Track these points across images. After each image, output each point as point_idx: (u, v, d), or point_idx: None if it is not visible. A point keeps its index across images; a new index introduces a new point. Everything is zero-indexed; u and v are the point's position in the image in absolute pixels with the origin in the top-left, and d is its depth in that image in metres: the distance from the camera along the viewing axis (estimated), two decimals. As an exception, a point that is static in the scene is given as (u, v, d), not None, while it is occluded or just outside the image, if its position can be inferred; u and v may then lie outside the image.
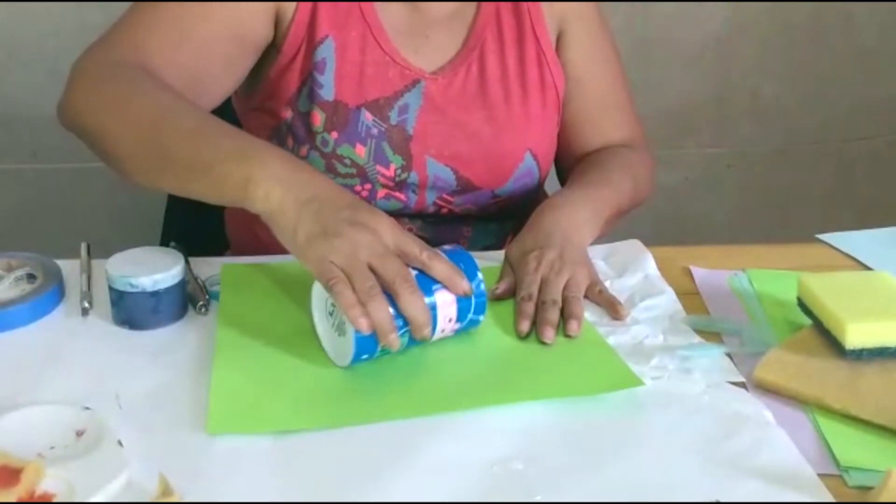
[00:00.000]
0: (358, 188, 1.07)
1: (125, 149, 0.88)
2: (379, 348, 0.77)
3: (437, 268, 0.79)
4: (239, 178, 0.80)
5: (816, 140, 2.13)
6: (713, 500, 0.66)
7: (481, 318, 0.83)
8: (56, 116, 0.94)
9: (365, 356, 0.78)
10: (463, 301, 0.80)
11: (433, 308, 0.78)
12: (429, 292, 0.78)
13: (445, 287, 0.79)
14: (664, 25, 1.96)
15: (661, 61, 1.99)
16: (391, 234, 0.79)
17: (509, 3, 1.11)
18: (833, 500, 0.67)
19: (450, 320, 0.80)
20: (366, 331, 0.74)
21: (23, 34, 1.78)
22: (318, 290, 0.80)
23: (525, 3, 1.11)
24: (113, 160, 0.90)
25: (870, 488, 0.67)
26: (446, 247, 0.83)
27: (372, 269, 0.76)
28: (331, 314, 0.79)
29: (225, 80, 1.02)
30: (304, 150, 1.05)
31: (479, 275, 0.82)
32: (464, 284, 0.79)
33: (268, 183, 0.80)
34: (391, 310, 0.76)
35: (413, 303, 0.76)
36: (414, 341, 0.79)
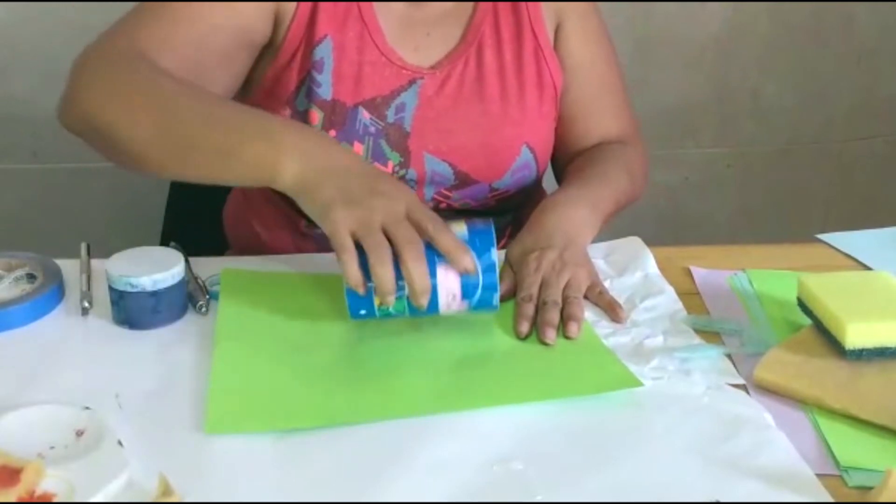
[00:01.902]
0: None
1: (142, 141, 0.86)
2: (376, 307, 0.78)
3: (441, 240, 0.78)
4: (267, 158, 0.82)
5: (816, 140, 2.13)
6: (713, 500, 0.66)
7: (494, 296, 0.81)
8: (56, 117, 0.93)
9: (363, 311, 0.79)
10: (467, 278, 0.79)
11: (434, 282, 0.78)
12: (431, 264, 0.78)
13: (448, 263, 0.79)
14: (665, 25, 1.96)
15: (662, 61, 1.99)
16: (407, 203, 0.80)
17: (507, 2, 1.11)
18: (832, 501, 0.67)
19: (454, 297, 0.80)
20: (352, 282, 0.76)
21: (23, 34, 1.78)
22: None
23: (523, 2, 1.11)
24: (127, 156, 0.87)
25: (870, 488, 0.67)
26: (477, 222, 0.82)
27: (386, 234, 0.77)
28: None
29: (222, 77, 1.02)
30: None
31: (493, 254, 0.80)
32: (465, 261, 0.78)
33: (291, 158, 0.81)
34: (393, 273, 0.76)
35: (415, 267, 0.76)
36: (415, 311, 0.79)
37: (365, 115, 1.05)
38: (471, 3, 1.11)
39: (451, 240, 0.79)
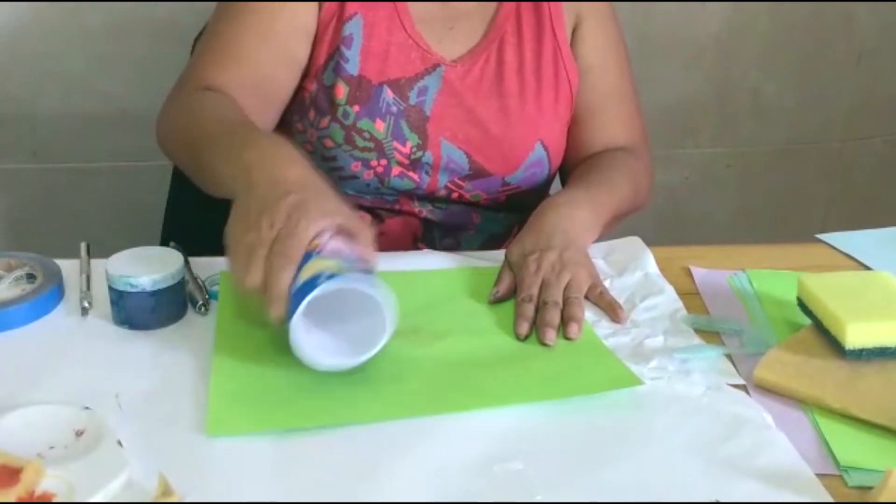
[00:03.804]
0: (374, 163, 1.09)
1: (187, 171, 1.00)
2: None
3: (269, 279, 0.76)
4: (231, 177, 0.84)
5: (816, 140, 2.13)
6: (713, 500, 0.66)
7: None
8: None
9: None
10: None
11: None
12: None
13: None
14: (665, 25, 1.96)
15: (662, 60, 1.99)
16: (283, 231, 0.77)
17: (530, 1, 1.13)
18: (832, 501, 0.67)
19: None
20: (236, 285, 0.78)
21: (23, 34, 1.78)
22: None
23: (545, 3, 1.13)
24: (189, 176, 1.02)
25: (870, 488, 0.67)
26: (351, 276, 0.77)
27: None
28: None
29: (290, 77, 1.08)
30: (324, 121, 1.09)
31: (297, 315, 0.75)
32: (274, 310, 0.76)
33: (239, 177, 0.83)
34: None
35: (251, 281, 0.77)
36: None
37: (389, 94, 1.08)
38: (494, 3, 1.13)
39: (277, 285, 0.76)
